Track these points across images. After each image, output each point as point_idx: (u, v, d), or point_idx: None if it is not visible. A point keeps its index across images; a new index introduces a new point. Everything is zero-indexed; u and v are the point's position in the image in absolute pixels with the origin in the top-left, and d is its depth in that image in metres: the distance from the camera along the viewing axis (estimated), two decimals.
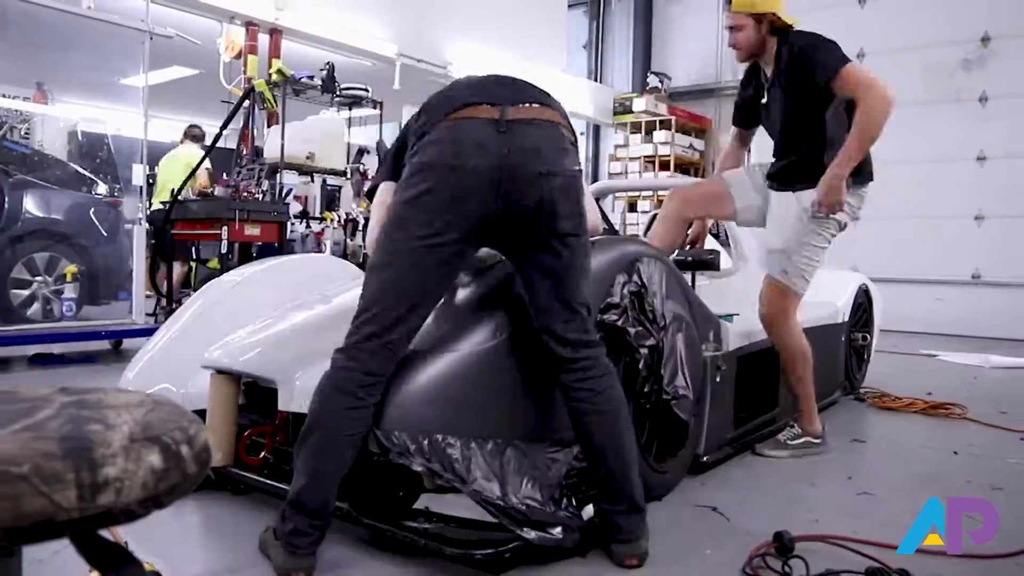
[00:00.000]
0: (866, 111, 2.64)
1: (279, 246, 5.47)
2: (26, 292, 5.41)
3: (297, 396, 2.02)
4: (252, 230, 5.27)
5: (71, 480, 0.63)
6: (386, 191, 2.02)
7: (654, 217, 3.16)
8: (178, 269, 6.48)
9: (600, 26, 12.61)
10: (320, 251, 5.88)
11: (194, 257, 6.73)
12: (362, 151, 6.79)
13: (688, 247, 3.28)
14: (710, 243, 3.59)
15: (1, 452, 0.62)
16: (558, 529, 1.80)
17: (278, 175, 5.93)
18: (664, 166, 10.88)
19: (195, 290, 3.64)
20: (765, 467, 2.85)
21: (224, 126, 5.74)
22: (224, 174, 5.75)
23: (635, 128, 11.10)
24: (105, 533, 0.70)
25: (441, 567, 1.83)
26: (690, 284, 2.80)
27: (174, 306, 5.30)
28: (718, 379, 2.65)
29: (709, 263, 2.97)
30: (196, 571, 1.83)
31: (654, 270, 2.34)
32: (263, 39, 7.27)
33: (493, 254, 2.10)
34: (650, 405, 2.30)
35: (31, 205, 5.49)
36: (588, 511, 1.97)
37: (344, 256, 5.80)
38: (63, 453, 0.64)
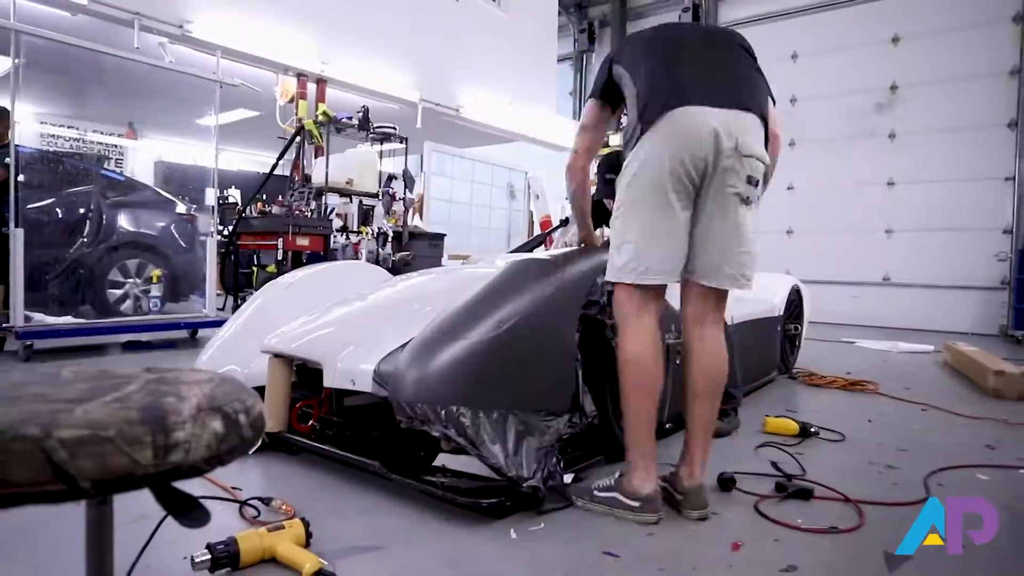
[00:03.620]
0: None
1: (324, 254, 5.47)
2: (120, 291, 5.43)
3: (338, 375, 2.01)
4: (302, 241, 5.27)
5: (148, 442, 0.63)
6: None
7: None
8: None
9: (583, 76, 12.57)
10: (357, 259, 5.87)
11: (255, 263, 6.72)
12: (391, 177, 6.81)
13: None
14: None
15: (93, 419, 0.62)
16: (545, 486, 1.79)
17: (323, 197, 5.93)
18: None
19: (256, 290, 3.64)
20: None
21: (280, 157, 5.75)
22: (280, 196, 5.74)
23: None
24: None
25: (454, 512, 1.83)
26: None
27: (239, 303, 5.29)
28: (677, 362, 2.63)
29: None
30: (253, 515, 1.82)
31: None
32: (311, 87, 7.27)
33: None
34: None
35: (124, 221, 5.50)
36: (568, 478, 1.98)
37: (376, 262, 5.80)
38: (142, 420, 0.63)
